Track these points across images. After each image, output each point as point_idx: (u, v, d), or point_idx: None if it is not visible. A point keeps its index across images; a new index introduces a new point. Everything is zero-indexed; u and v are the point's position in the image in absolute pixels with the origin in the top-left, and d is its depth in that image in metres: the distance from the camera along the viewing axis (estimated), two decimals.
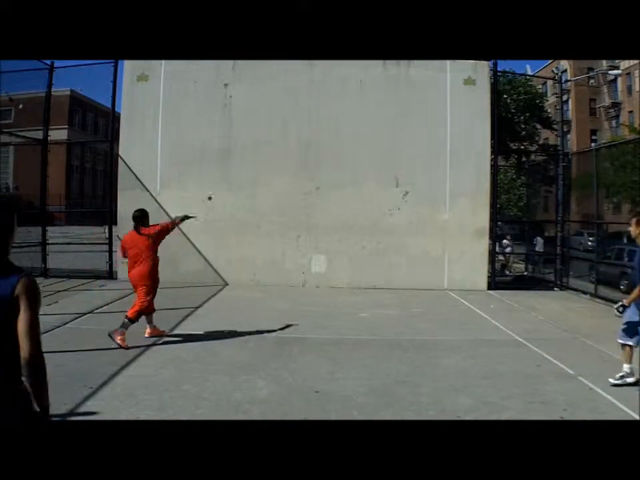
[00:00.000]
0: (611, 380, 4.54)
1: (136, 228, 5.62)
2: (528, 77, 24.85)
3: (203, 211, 8.95)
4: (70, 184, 33.01)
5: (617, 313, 4.58)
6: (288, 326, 6.50)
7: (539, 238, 13.61)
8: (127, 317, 5.45)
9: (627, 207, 20.03)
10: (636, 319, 4.49)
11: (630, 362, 4.57)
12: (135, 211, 5.75)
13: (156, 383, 4.35)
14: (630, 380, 4.51)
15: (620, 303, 4.55)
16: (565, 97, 22.07)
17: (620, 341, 4.63)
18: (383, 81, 10.18)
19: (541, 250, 13.09)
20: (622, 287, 12.73)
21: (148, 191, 10.14)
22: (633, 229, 4.63)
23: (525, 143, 22.72)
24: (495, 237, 10.82)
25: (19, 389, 2.12)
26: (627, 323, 4.55)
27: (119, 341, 5.27)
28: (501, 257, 13.04)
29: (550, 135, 29.25)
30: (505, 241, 14.09)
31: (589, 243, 14.60)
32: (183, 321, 6.74)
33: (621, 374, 4.56)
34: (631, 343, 4.56)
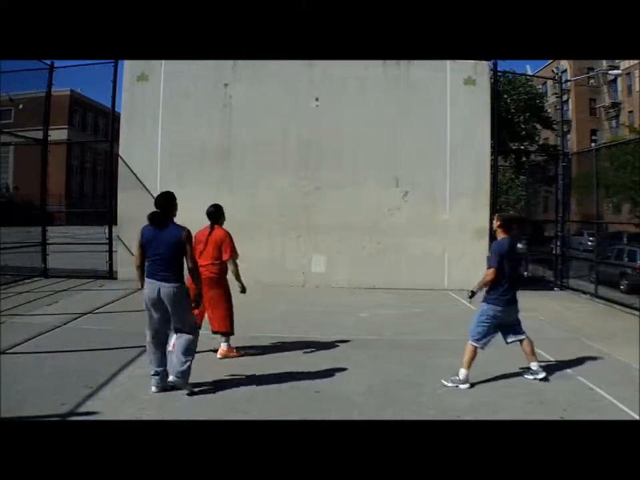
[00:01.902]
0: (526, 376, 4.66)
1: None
2: (528, 77, 24.82)
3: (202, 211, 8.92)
4: (70, 184, 32.98)
5: (468, 299, 4.67)
6: (287, 326, 6.50)
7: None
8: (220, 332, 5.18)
9: (626, 207, 20.05)
10: (512, 317, 4.63)
11: (535, 359, 4.70)
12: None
13: None
14: (541, 376, 4.63)
15: (470, 289, 4.59)
16: (565, 97, 22.06)
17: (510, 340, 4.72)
18: (383, 81, 10.17)
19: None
20: (622, 287, 12.74)
21: (148, 191, 10.13)
22: (495, 225, 4.70)
23: (525, 143, 22.70)
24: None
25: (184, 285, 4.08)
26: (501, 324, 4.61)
27: (234, 355, 5.13)
28: None
29: (550, 135, 29.24)
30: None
31: (589, 243, 14.60)
32: None
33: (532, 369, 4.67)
34: (522, 337, 4.69)
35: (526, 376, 4.69)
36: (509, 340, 4.73)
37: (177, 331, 4.13)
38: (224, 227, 5.33)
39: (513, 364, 5.19)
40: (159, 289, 3.94)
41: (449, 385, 4.46)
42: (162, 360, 4.13)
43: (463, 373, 4.50)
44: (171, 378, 4.06)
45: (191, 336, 4.11)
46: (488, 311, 4.54)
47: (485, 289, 4.56)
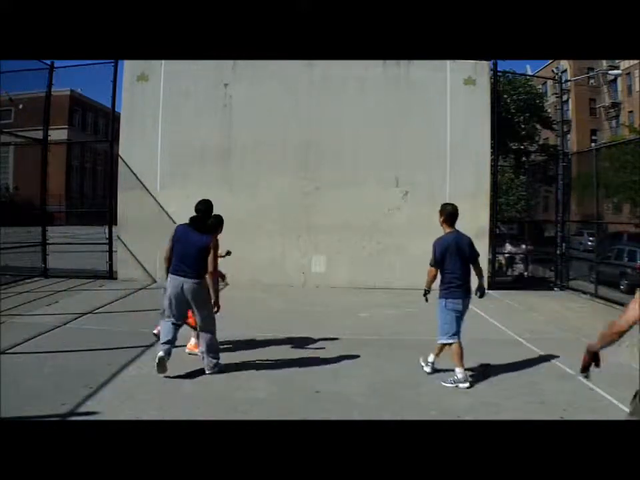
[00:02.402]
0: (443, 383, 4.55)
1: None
2: (528, 77, 24.83)
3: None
4: (70, 184, 32.97)
5: (425, 297, 4.67)
6: (287, 326, 6.50)
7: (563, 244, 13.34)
8: None
9: (627, 206, 20.05)
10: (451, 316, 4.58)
11: (462, 366, 4.59)
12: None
13: (156, 383, 4.35)
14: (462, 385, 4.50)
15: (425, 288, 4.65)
16: (565, 97, 22.08)
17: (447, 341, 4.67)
18: (383, 81, 10.17)
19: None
20: (622, 287, 12.74)
21: (148, 190, 10.14)
22: (439, 219, 4.73)
23: (524, 143, 22.71)
24: (496, 237, 10.81)
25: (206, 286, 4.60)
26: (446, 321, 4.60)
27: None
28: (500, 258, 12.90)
29: (550, 135, 29.25)
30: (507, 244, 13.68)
31: (589, 243, 14.58)
32: None
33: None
34: (454, 340, 4.60)
35: (444, 383, 4.54)
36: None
37: (199, 329, 4.73)
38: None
39: (513, 364, 5.20)
40: (182, 284, 4.50)
41: (448, 385, 4.47)
42: (173, 334, 4.61)
43: (458, 371, 4.52)
44: (207, 371, 4.63)
45: (209, 334, 4.65)
46: (447, 305, 4.59)
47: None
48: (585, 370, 2.84)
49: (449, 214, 4.64)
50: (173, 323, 4.62)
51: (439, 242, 4.62)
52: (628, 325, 2.56)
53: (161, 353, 4.48)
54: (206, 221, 4.69)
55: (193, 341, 5.30)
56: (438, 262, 4.56)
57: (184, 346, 5.24)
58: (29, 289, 8.76)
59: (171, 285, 4.55)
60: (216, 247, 4.67)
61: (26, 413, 3.51)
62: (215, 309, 4.69)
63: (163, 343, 4.58)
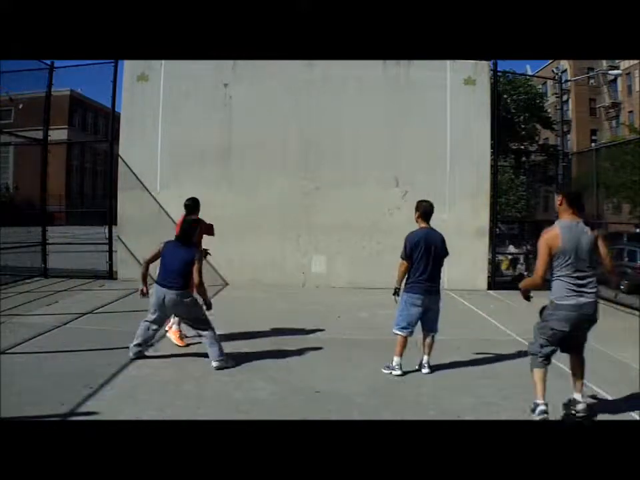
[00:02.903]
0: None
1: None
2: (528, 77, 24.84)
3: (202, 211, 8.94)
4: (70, 184, 33.00)
5: (394, 297, 4.78)
6: (287, 326, 6.50)
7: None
8: None
9: (626, 207, 20.05)
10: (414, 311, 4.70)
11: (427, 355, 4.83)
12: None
13: (156, 383, 4.35)
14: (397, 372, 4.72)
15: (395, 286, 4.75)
16: (565, 97, 22.08)
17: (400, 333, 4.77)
18: (383, 81, 10.16)
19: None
20: (622, 287, 12.73)
21: (148, 191, 10.13)
22: (415, 215, 4.97)
23: (525, 143, 22.71)
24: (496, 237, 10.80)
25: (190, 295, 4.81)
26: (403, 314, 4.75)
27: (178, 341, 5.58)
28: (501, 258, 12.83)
29: (550, 135, 29.25)
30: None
31: None
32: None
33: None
34: (405, 334, 4.73)
35: (383, 370, 4.78)
36: (428, 331, 4.90)
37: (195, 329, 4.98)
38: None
39: (513, 364, 5.19)
40: (165, 295, 4.75)
41: (385, 371, 4.75)
42: (147, 335, 4.93)
43: (395, 360, 4.74)
44: (214, 364, 4.76)
45: (208, 331, 4.86)
46: (406, 299, 4.72)
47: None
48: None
49: (424, 210, 4.78)
50: (149, 325, 4.91)
51: (410, 236, 4.73)
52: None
53: (130, 354, 4.87)
54: (192, 236, 4.95)
55: (174, 327, 5.59)
56: (408, 255, 4.66)
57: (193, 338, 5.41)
58: (28, 289, 8.75)
59: (155, 294, 4.84)
60: (201, 260, 4.90)
61: (26, 413, 3.51)
62: (206, 307, 4.94)
63: (134, 345, 4.90)
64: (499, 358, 5.42)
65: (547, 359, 3.70)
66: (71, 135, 31.83)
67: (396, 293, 4.77)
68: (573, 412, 3.70)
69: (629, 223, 17.86)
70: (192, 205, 5.69)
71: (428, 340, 4.94)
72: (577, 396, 3.77)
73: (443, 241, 4.77)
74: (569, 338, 3.64)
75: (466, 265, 9.99)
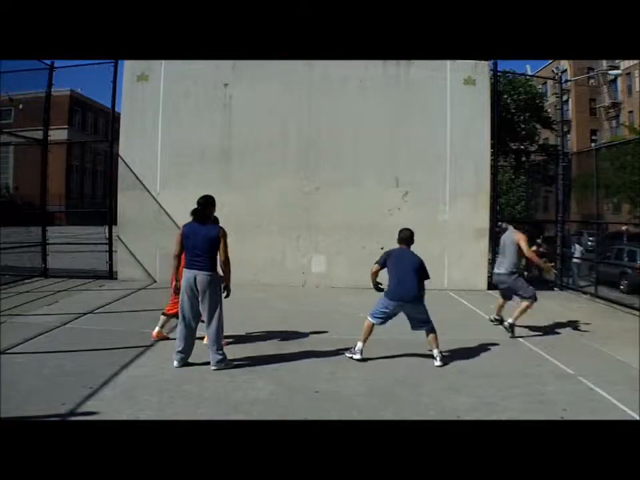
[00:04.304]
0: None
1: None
2: (528, 77, 24.82)
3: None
4: (70, 184, 33.00)
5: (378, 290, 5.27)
6: (287, 326, 6.50)
7: (576, 245, 12.51)
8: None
9: (626, 207, 20.05)
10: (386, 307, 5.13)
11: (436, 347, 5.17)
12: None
13: (156, 383, 4.35)
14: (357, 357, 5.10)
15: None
16: (565, 97, 22.08)
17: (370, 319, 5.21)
18: (382, 81, 10.16)
19: (578, 256, 12.05)
20: (622, 287, 12.73)
21: (148, 191, 10.13)
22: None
23: (525, 143, 22.71)
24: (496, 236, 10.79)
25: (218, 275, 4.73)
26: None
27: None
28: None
29: (550, 135, 29.24)
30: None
31: (589, 243, 14.59)
32: None
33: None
34: (374, 321, 5.20)
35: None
36: (412, 329, 5.31)
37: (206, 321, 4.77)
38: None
39: (513, 364, 5.20)
40: (195, 276, 4.61)
41: (347, 355, 5.14)
42: (187, 341, 4.76)
43: (357, 345, 5.11)
44: (212, 367, 4.71)
45: (215, 329, 4.72)
46: (382, 300, 5.23)
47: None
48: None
49: (400, 238, 5.48)
50: (186, 326, 4.74)
51: (387, 251, 5.44)
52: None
53: (175, 364, 4.75)
54: (207, 213, 4.76)
55: (157, 328, 5.62)
56: (380, 263, 5.31)
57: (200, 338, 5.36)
58: (28, 289, 8.75)
59: (185, 279, 4.67)
60: (225, 236, 4.71)
61: (26, 413, 3.51)
62: (225, 294, 4.80)
63: (177, 352, 4.77)
64: (499, 358, 5.42)
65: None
66: (71, 135, 31.84)
67: (378, 289, 5.33)
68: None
69: (629, 223, 17.86)
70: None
71: (428, 337, 5.22)
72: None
73: (419, 262, 5.23)
74: None
75: (466, 265, 9.99)
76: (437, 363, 5.04)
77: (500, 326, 6.60)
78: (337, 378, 4.63)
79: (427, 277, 5.23)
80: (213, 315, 4.71)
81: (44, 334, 5.74)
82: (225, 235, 4.70)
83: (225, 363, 4.76)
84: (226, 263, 4.72)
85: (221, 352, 4.76)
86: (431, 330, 5.20)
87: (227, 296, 4.82)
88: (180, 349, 4.75)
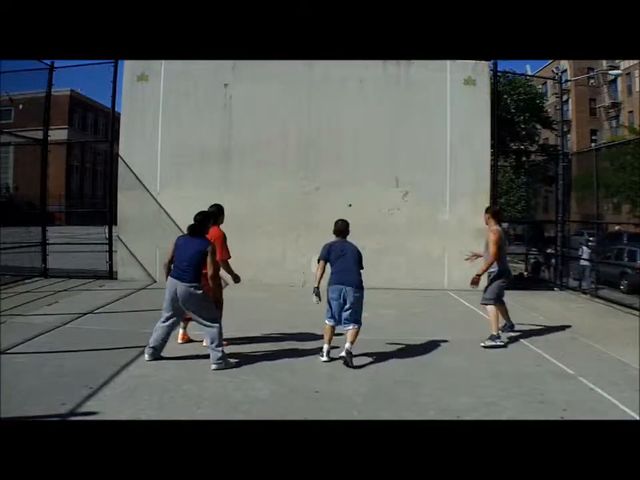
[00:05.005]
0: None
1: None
2: (528, 77, 24.84)
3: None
4: (70, 184, 33.00)
5: (315, 299, 5.11)
6: (287, 326, 6.50)
7: (584, 247, 12.14)
8: None
9: (626, 206, 20.05)
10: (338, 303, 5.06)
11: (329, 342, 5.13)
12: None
13: (156, 383, 4.35)
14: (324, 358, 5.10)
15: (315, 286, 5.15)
16: (565, 97, 22.08)
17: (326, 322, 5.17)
18: (383, 80, 10.16)
19: (587, 258, 11.69)
20: (622, 287, 12.73)
21: (148, 191, 10.13)
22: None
23: (525, 143, 22.71)
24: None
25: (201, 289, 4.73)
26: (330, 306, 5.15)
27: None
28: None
29: (550, 135, 29.25)
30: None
31: (589, 243, 14.58)
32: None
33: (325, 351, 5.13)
34: (331, 323, 5.14)
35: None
36: (340, 325, 5.16)
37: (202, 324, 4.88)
38: (222, 227, 5.44)
39: (512, 364, 5.20)
40: (176, 287, 4.71)
41: (319, 357, 5.12)
42: (161, 339, 4.89)
43: (325, 346, 5.12)
44: (213, 366, 4.74)
45: (213, 329, 4.79)
46: (327, 294, 5.14)
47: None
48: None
49: (337, 230, 5.37)
50: (164, 322, 4.86)
51: (325, 244, 5.30)
52: None
53: (146, 357, 4.87)
54: (202, 227, 4.89)
55: (181, 331, 5.57)
56: (323, 256, 5.20)
57: (200, 341, 5.42)
58: (28, 289, 8.75)
59: (167, 287, 4.81)
60: (214, 252, 4.77)
61: (26, 413, 3.51)
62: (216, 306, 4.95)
63: (149, 347, 4.89)
64: (499, 358, 5.42)
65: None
66: (71, 135, 31.83)
67: (315, 292, 5.14)
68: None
69: (629, 223, 17.87)
70: (216, 212, 5.51)
71: (349, 330, 5.11)
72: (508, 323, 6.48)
73: (359, 253, 5.27)
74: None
75: (466, 265, 9.96)
76: (342, 354, 4.98)
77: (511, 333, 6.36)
78: (337, 378, 4.64)
79: (361, 268, 5.25)
80: (207, 319, 4.81)
81: (44, 334, 5.73)
82: (213, 250, 4.77)
83: (225, 363, 4.78)
84: (213, 278, 4.79)
85: (221, 352, 4.77)
86: (357, 328, 5.09)
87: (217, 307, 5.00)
88: (152, 344, 4.87)
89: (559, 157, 11.97)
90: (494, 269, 6.29)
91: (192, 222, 4.90)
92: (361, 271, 5.19)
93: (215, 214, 5.37)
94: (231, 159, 10.18)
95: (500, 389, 4.41)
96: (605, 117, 39.53)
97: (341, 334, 5.19)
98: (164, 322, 4.87)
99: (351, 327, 5.06)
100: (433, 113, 10.09)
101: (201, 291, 4.75)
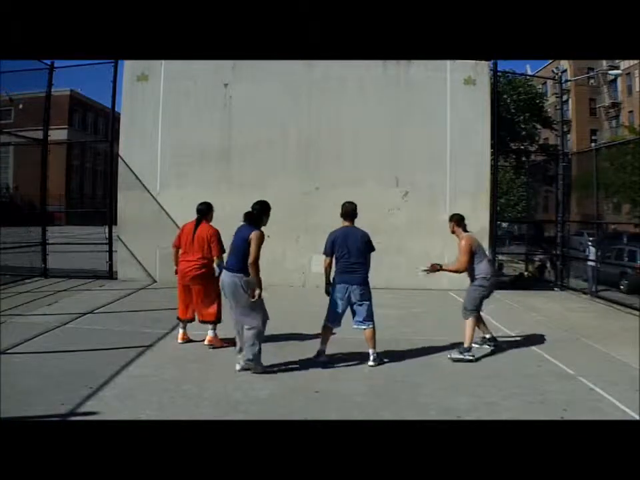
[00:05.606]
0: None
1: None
2: (528, 77, 24.84)
3: None
4: (70, 184, 32.97)
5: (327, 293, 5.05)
6: (287, 326, 6.49)
7: (591, 248, 11.88)
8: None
9: (626, 206, 20.05)
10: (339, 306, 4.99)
11: (373, 347, 4.99)
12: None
13: (156, 383, 4.35)
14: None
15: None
16: (565, 97, 22.07)
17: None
18: (382, 80, 10.16)
19: (594, 258, 11.36)
20: (622, 287, 12.73)
21: (148, 191, 10.13)
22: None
23: (525, 143, 22.72)
24: (496, 237, 10.80)
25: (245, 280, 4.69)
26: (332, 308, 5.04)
27: (219, 345, 5.54)
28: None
29: (550, 135, 29.26)
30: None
31: (589, 243, 14.59)
32: None
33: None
34: (330, 325, 5.06)
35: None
36: (353, 326, 5.07)
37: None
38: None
39: (512, 364, 5.20)
40: (224, 277, 4.75)
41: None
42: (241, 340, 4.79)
43: (319, 348, 5.05)
44: (242, 363, 4.69)
45: (250, 332, 4.70)
46: (332, 291, 5.06)
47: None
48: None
49: (344, 212, 5.24)
50: (238, 330, 4.82)
51: (330, 234, 5.16)
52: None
53: (237, 366, 4.75)
54: (258, 216, 4.88)
55: (210, 332, 5.54)
56: (327, 251, 5.07)
57: (200, 341, 5.51)
58: (28, 289, 8.75)
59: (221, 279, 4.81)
60: (257, 239, 4.73)
61: (26, 413, 3.51)
62: (254, 298, 4.78)
63: (238, 352, 4.83)
64: (499, 358, 5.42)
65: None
66: (71, 135, 31.82)
67: (327, 288, 5.10)
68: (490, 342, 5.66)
69: (629, 223, 17.87)
70: (205, 210, 5.71)
71: (366, 333, 5.04)
72: (488, 335, 5.70)
73: (365, 237, 5.11)
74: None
75: None
76: (370, 363, 4.92)
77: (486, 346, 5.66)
78: (337, 378, 4.63)
79: (373, 249, 5.13)
80: (246, 318, 4.78)
81: (44, 334, 5.73)
82: (258, 238, 4.77)
83: (255, 364, 4.67)
84: (252, 265, 4.79)
85: (252, 354, 4.66)
86: (372, 328, 5.01)
87: (254, 300, 4.84)
88: (239, 348, 4.84)
89: (559, 157, 11.97)
90: (470, 275, 5.56)
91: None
92: (372, 253, 5.09)
93: (205, 211, 5.62)
94: (231, 159, 10.18)
95: (500, 388, 4.41)
96: (604, 116, 39.54)
97: (335, 334, 5.19)
98: (235, 326, 4.89)
99: (364, 327, 4.98)
100: (433, 112, 10.09)
101: (245, 282, 4.73)
